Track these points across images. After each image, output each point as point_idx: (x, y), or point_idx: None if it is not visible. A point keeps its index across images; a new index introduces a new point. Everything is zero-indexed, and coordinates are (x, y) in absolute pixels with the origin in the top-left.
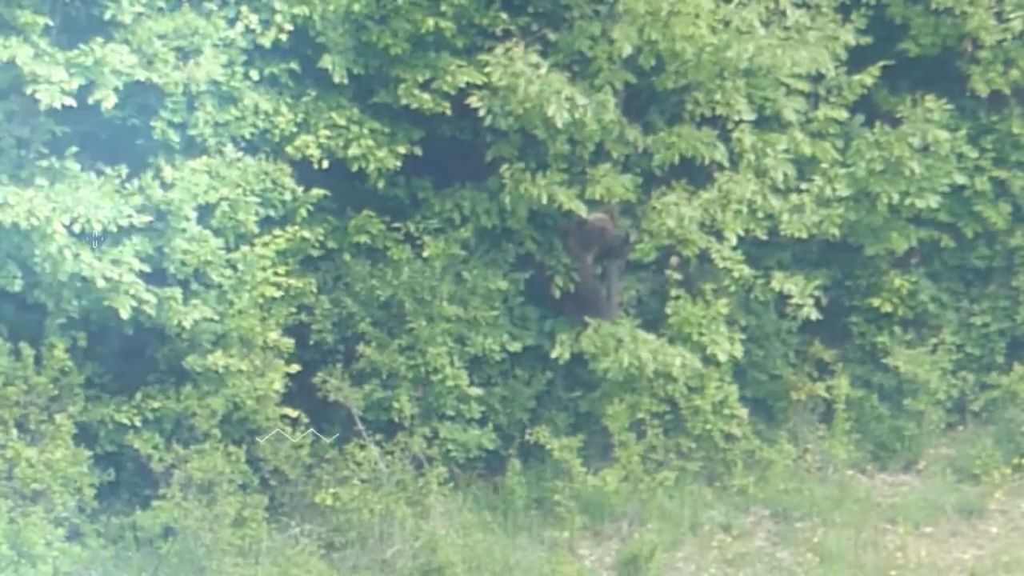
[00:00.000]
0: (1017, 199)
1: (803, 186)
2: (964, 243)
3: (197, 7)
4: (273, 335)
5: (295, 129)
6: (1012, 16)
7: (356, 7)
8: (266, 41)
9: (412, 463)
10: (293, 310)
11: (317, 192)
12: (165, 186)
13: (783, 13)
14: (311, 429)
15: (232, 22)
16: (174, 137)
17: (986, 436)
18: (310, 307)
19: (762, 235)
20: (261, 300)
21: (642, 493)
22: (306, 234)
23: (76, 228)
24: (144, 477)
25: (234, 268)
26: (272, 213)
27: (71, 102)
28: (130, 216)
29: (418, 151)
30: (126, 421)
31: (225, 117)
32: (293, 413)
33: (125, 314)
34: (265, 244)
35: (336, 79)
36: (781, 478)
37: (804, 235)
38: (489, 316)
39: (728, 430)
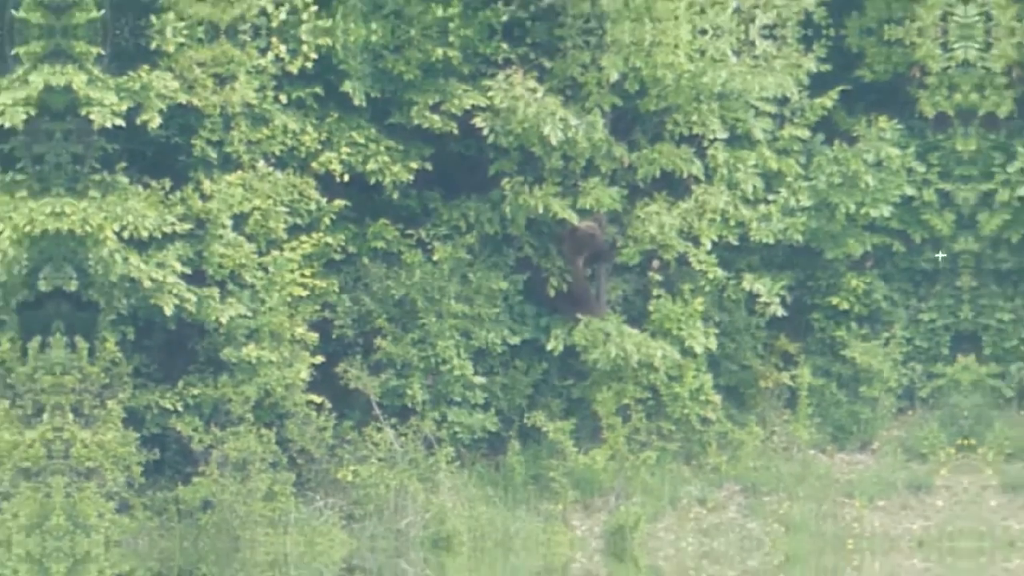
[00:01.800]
0: (960, 209)
1: (770, 197)
2: (913, 248)
3: (232, 38)
4: (300, 330)
5: (320, 147)
6: (956, 46)
7: (374, 38)
8: (294, 68)
9: (423, 444)
10: (317, 307)
11: (339, 203)
12: (204, 197)
13: (752, 43)
14: (334, 413)
15: (264, 51)
16: (212, 154)
17: (933, 420)
18: (333, 305)
19: (734, 241)
20: (289, 299)
21: (627, 471)
22: (329, 240)
23: (125, 235)
24: (185, 456)
25: (265, 270)
26: (299, 221)
27: (120, 122)
28: (173, 224)
29: (429, 166)
30: (169, 406)
31: (257, 136)
32: (318, 399)
33: (168, 311)
34: (293, 249)
35: (356, 102)
36: (751, 457)
37: (771, 241)
38: (492, 313)
39: (704, 414)
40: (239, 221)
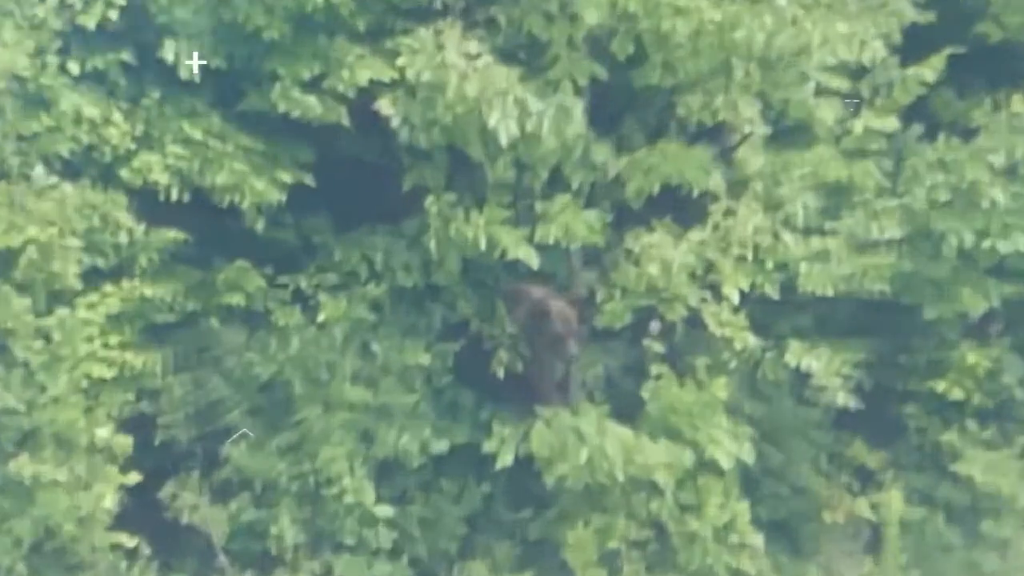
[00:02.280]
0: None
1: (832, 225)
2: None
3: None
4: (103, 432)
5: (133, 145)
6: None
7: None
8: (90, 21)
9: None
10: (131, 397)
11: (170, 234)
12: None
13: None
14: (154, 563)
15: None
16: None
17: None
18: (156, 392)
19: (774, 293)
20: (86, 383)
21: None
22: (148, 291)
23: None
24: None
25: (46, 339)
26: (101, 263)
27: None
28: None
29: (309, 180)
30: None
31: (33, 128)
32: (130, 541)
33: None
34: (92, 306)
35: (184, 75)
36: None
37: (832, 292)
38: (406, 403)
39: (737, 565)
40: (5, 261)
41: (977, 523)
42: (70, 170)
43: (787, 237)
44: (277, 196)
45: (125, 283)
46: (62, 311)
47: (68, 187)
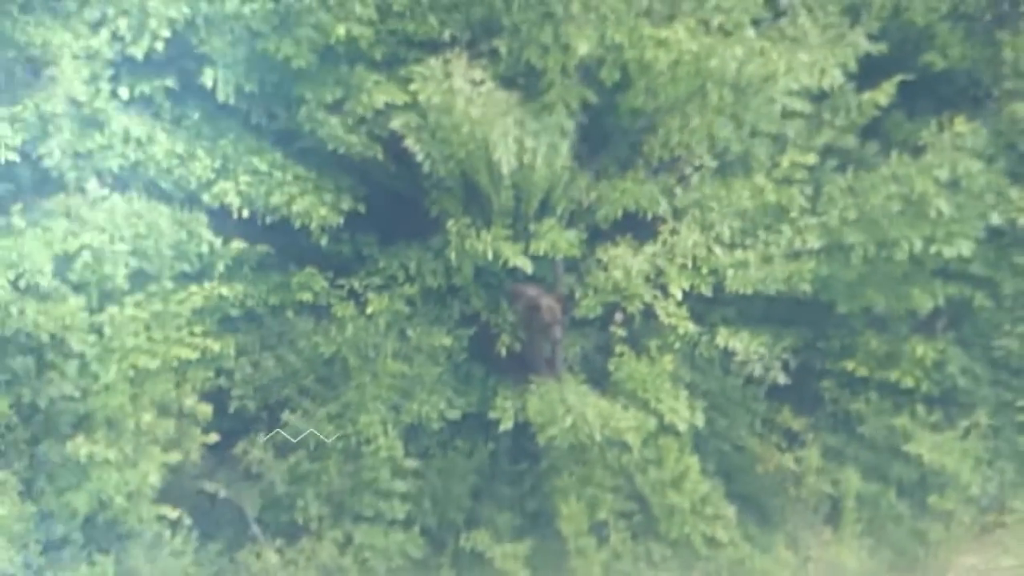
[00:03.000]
0: None
1: (756, 239)
2: (1003, 301)
3: (51, 8)
4: (189, 401)
5: (213, 175)
6: None
7: (248, 9)
8: (138, 51)
9: (320, 572)
10: (210, 374)
11: (236, 246)
12: (12, 232)
13: (779, 13)
14: (194, 532)
15: (96, 27)
16: (23, 171)
17: None
18: (229, 370)
19: (707, 291)
20: (132, 373)
21: None
22: (224, 291)
23: (21, 284)
24: None
25: (100, 334)
26: (187, 267)
27: None
28: None
29: (362, 208)
30: None
31: (88, 145)
32: (172, 513)
33: None
34: (180, 302)
35: (221, 97)
36: None
37: (750, 291)
38: (433, 373)
39: (711, 533)
40: (62, 265)
41: (925, 497)
42: (119, 183)
43: (717, 250)
44: (336, 219)
45: (207, 284)
46: (112, 309)
47: (118, 198)
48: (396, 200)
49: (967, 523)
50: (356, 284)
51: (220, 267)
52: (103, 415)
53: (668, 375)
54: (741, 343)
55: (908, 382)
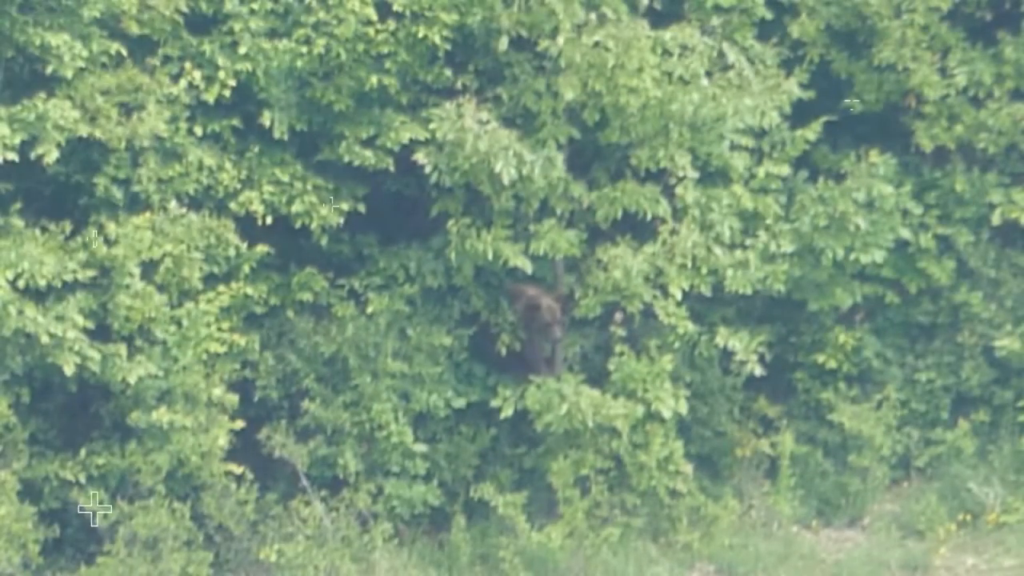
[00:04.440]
0: (961, 255)
1: (748, 242)
2: (909, 299)
3: (140, 63)
4: (217, 391)
5: (239, 185)
6: (956, 72)
7: (299, 63)
8: (209, 97)
9: (357, 519)
10: (237, 366)
11: (261, 248)
12: (109, 242)
13: (727, 66)
14: (256, 485)
15: (176, 78)
16: (117, 193)
17: (931, 492)
18: (254, 363)
19: (706, 291)
20: (205, 356)
21: (587, 549)
22: (250, 291)
23: (20, 284)
24: (88, 533)
25: (179, 324)
26: (216, 270)
27: (13, 157)
28: (74, 272)
29: (362, 208)
30: (71, 478)
31: (169, 173)
32: (238, 470)
33: (69, 371)
34: (210, 301)
35: (276, 135)
36: (726, 534)
37: (749, 291)
38: (434, 372)
39: (673, 486)
40: (148, 269)
41: (846, 456)
42: (194, 204)
43: (717, 250)
44: (337, 220)
45: (233, 284)
46: (189, 305)
47: (193, 216)
48: (397, 202)
49: (879, 477)
50: (356, 284)
51: (246, 269)
52: (181, 390)
53: (668, 375)
54: (740, 342)
55: (832, 364)
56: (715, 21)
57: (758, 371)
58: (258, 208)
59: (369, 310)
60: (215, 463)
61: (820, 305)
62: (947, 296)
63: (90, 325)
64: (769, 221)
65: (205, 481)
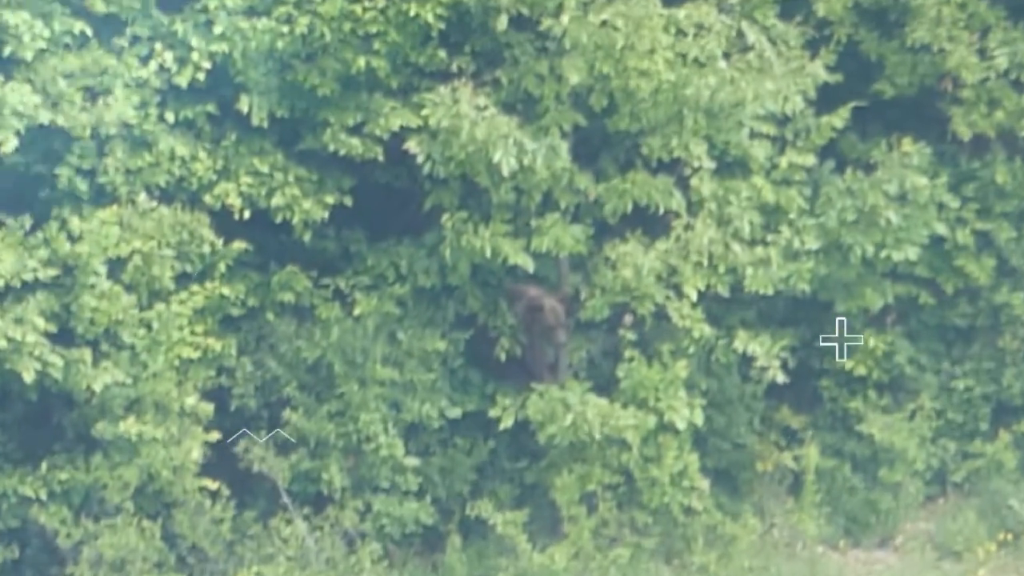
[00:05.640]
0: (1002, 252)
1: (769, 238)
2: (945, 300)
3: (107, 44)
4: (190, 400)
5: (215, 176)
6: (996, 53)
7: (280, 44)
8: (182, 81)
9: (343, 539)
10: (212, 373)
11: (238, 245)
12: (72, 238)
13: (747, 47)
14: (232, 502)
15: (145, 60)
16: (82, 185)
17: (968, 509)
18: (231, 370)
19: (724, 292)
20: (178, 362)
21: (593, 572)
22: (226, 291)
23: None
24: (51, 554)
25: (148, 327)
26: (189, 268)
27: None
28: (34, 271)
29: (348, 201)
30: (31, 494)
31: (138, 163)
32: (213, 485)
33: (29, 378)
34: (182, 302)
35: (255, 122)
36: (746, 555)
37: (771, 291)
38: (426, 380)
39: (688, 503)
40: (115, 267)
41: (876, 471)
42: (165, 196)
43: (735, 247)
44: (321, 214)
45: (208, 284)
46: (160, 306)
47: (164, 209)
48: (387, 195)
49: (913, 493)
50: (342, 284)
51: (221, 267)
52: (151, 399)
53: (682, 382)
54: (761, 347)
55: (861, 370)
56: None
57: (780, 378)
58: (235, 201)
59: (356, 312)
60: (188, 478)
61: (849, 307)
62: (986, 297)
63: (52, 328)
64: (792, 215)
65: (177, 498)
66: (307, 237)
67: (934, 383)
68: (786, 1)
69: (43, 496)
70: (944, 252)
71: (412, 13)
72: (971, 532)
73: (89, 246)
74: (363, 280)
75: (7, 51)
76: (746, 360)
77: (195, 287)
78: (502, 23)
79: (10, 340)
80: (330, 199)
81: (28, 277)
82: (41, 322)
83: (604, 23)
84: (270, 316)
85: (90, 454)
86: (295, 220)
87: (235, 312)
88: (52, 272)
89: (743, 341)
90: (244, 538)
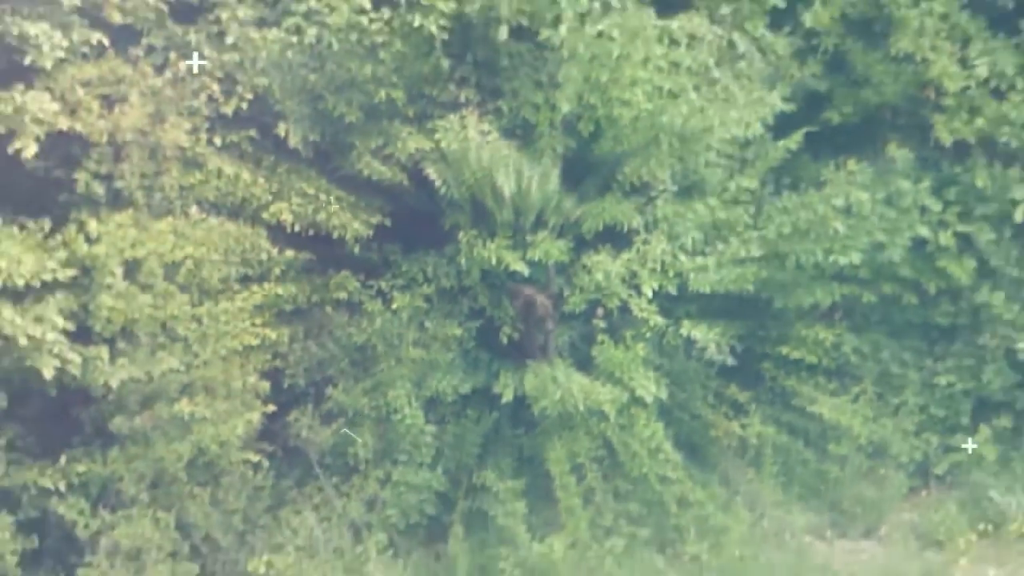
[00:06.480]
0: (982, 254)
1: (715, 247)
2: (927, 299)
3: (123, 53)
4: (251, 379)
5: (270, 198)
6: (977, 63)
7: (289, 53)
8: (228, 109)
9: (350, 529)
10: (268, 357)
11: (290, 254)
12: (90, 240)
13: (738, 57)
14: (271, 472)
15: (160, 69)
16: (99, 189)
17: (950, 501)
18: (284, 354)
19: (673, 291)
20: (224, 352)
21: (590, 561)
22: (280, 291)
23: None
24: (69, 544)
25: (199, 322)
26: (250, 272)
27: None
28: (54, 271)
29: (388, 221)
30: (50, 486)
31: (190, 180)
32: (254, 458)
33: (48, 374)
34: (244, 299)
35: (291, 144)
36: (736, 545)
37: (708, 290)
38: (446, 359)
39: (663, 473)
40: (170, 271)
41: (825, 446)
42: (213, 209)
43: (682, 257)
44: (367, 232)
45: (266, 285)
46: (209, 303)
47: (212, 220)
48: (417, 217)
49: (897, 486)
50: (383, 285)
51: (276, 271)
52: (201, 383)
53: (641, 360)
54: (700, 333)
55: (812, 359)
56: (725, 9)
57: (729, 360)
58: (288, 218)
59: (394, 306)
60: (234, 452)
61: (786, 303)
62: (968, 296)
63: (70, 327)
64: (740, 229)
65: (224, 469)
66: (356, 249)
67: (917, 379)
68: (775, 12)
69: (62, 488)
70: (927, 254)
71: (416, 24)
72: (953, 523)
73: (106, 248)
74: (399, 282)
75: (27, 60)
76: (693, 344)
77: (255, 287)
78: (503, 33)
79: (30, 338)
80: (373, 220)
81: (47, 278)
82: (60, 321)
83: (600, 34)
84: (328, 310)
85: (107, 447)
86: (347, 236)
87: (288, 307)
88: (70, 273)
89: (687, 328)
90: (255, 528)
